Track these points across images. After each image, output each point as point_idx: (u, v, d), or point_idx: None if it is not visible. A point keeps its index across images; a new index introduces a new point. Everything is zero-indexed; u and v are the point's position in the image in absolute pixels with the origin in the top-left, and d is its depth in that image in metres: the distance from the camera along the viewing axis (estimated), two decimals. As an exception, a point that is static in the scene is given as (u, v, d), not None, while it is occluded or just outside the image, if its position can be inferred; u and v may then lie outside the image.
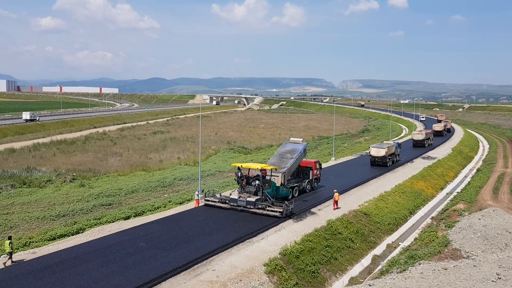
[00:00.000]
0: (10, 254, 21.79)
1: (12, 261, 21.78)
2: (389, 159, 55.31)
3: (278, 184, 34.41)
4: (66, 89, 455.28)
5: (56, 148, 70.09)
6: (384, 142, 62.80)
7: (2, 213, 32.96)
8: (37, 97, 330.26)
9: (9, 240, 21.93)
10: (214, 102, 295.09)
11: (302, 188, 39.05)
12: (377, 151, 54.73)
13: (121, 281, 19.56)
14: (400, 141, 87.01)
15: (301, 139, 44.27)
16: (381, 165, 54.27)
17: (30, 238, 26.49)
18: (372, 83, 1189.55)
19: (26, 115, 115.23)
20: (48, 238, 26.43)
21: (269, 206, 31.15)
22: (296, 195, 37.43)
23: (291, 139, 45.24)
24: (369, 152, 56.08)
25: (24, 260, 21.95)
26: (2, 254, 22.95)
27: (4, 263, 21.51)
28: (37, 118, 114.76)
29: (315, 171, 40.66)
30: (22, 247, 24.99)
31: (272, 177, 34.26)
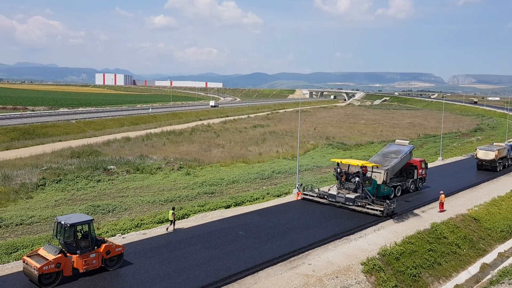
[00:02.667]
0: (172, 222, 25.55)
1: (173, 230, 25.53)
2: (500, 163, 49.48)
3: (380, 182, 33.52)
4: (175, 83, 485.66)
5: (165, 138, 75.20)
6: (495, 143, 55.97)
7: (118, 195, 36.35)
8: (150, 91, 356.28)
9: (172, 211, 25.67)
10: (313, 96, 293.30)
11: (406, 187, 37.53)
12: (486, 154, 49.15)
13: (221, 266, 20.54)
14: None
15: (408, 141, 42.68)
16: (490, 170, 48.76)
17: (142, 220, 28.82)
18: (487, 78, 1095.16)
19: (211, 103, 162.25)
20: (157, 221, 28.55)
21: (369, 204, 30.41)
22: (398, 194, 36.09)
23: (397, 140, 44.04)
24: (476, 155, 50.45)
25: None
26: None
27: (167, 228, 25.60)
28: (150, 110, 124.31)
29: (420, 171, 38.86)
30: (134, 228, 27.29)
31: (375, 173, 33.46)
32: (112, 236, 25.31)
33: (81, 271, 18.69)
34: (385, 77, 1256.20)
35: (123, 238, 24.50)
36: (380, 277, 21.77)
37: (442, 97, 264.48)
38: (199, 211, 30.60)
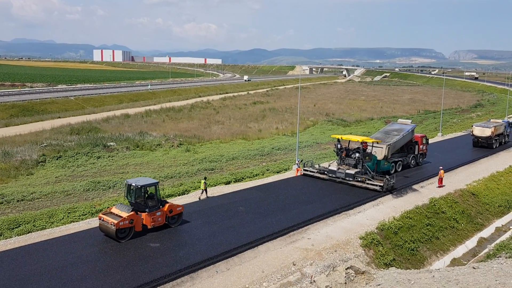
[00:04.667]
0: (203, 191, 27.46)
1: (205, 198, 27.51)
2: (496, 140, 48.52)
3: (381, 156, 33.84)
4: (174, 59, 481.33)
5: (165, 115, 75.02)
6: (492, 120, 55.13)
7: (118, 172, 36.48)
8: (149, 67, 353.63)
9: (204, 180, 27.67)
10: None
11: (406, 163, 37.84)
12: (482, 131, 48.04)
13: (222, 241, 20.79)
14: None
15: (410, 121, 42.79)
16: (486, 147, 47.91)
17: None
18: (488, 54, 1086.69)
19: (245, 77, 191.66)
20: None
21: (369, 180, 30.59)
22: (399, 170, 36.50)
23: (399, 120, 44.35)
24: (472, 132, 49.42)
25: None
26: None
27: (199, 197, 27.52)
28: (149, 87, 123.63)
29: (421, 146, 39.20)
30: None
31: (377, 148, 33.81)
32: (113, 211, 25.51)
33: (149, 227, 21.27)
34: (385, 53, 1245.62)
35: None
36: (379, 251, 22.06)
37: (443, 73, 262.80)
38: (199, 188, 30.74)
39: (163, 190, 27.45)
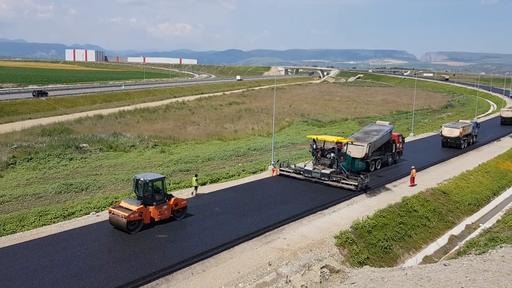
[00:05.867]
0: (196, 188, 28.38)
1: (196, 194, 28.37)
2: (464, 140, 49.34)
3: (363, 154, 34.98)
4: (148, 59, 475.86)
5: (139, 116, 74.11)
6: (460, 120, 56.03)
7: (91, 174, 35.85)
8: (123, 67, 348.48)
9: (196, 177, 28.67)
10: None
11: (385, 160, 39.23)
12: (450, 131, 48.63)
13: (197, 242, 20.69)
14: (486, 118, 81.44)
15: (388, 122, 44.46)
16: (454, 147, 48.55)
17: (116, 198, 28.55)
18: (458, 56, 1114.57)
19: (238, 77, 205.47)
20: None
21: (343, 179, 30.99)
22: (378, 167, 37.86)
23: (378, 121, 45.93)
24: (441, 132, 50.03)
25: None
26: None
27: (192, 193, 28.46)
28: (123, 87, 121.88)
29: (397, 145, 40.71)
30: (109, 206, 27.01)
31: (358, 146, 35.02)
32: (86, 214, 25.11)
33: (156, 219, 22.41)
34: (359, 54, 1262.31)
35: (97, 216, 24.30)
36: (353, 249, 22.36)
37: (415, 74, 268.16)
38: (174, 189, 30.54)
39: (169, 184, 29.20)
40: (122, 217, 21.04)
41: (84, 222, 23.27)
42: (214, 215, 24.75)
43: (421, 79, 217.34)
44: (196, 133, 58.51)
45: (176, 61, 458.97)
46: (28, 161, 38.20)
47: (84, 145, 44.75)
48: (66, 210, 25.62)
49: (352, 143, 35.13)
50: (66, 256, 18.82)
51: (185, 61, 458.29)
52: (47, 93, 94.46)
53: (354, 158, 34.72)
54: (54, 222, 23.75)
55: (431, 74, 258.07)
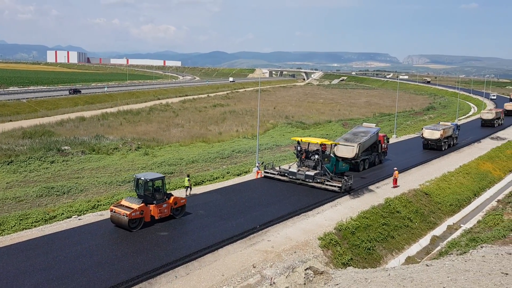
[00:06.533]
0: (187, 188, 28.63)
1: (190, 194, 28.55)
2: (445, 142, 49.77)
3: (353, 154, 36.11)
4: (132, 61, 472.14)
5: (122, 118, 73.44)
6: (441, 123, 56.35)
7: (73, 177, 35.37)
8: (106, 69, 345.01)
9: (188, 178, 28.91)
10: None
11: (372, 160, 40.30)
12: (431, 133, 48.95)
13: (181, 245, 20.57)
14: (467, 120, 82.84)
15: (374, 124, 45.93)
16: (435, 149, 49.01)
17: (98, 201, 28.26)
18: (440, 59, 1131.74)
19: (230, 79, 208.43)
20: (114, 202, 28.04)
21: (327, 181, 31.18)
22: (367, 167, 39.01)
23: (364, 124, 47.03)
24: (422, 134, 50.41)
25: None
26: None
27: (186, 194, 28.39)
28: (105, 89, 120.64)
29: (383, 145, 41.81)
30: (91, 209, 26.75)
31: (349, 146, 36.24)
32: (68, 218, 24.76)
33: (156, 218, 22.96)
34: (343, 57, 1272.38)
35: (79, 220, 23.98)
36: (337, 251, 22.50)
37: (397, 77, 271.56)
38: (183, 186, 30.37)
39: (168, 183, 29.61)
40: (123, 215, 21.54)
41: (65, 226, 22.93)
42: (198, 217, 24.65)
43: (404, 81, 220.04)
44: (180, 135, 58.22)
45: (160, 63, 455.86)
46: (8, 164, 37.49)
47: (66, 147, 44.14)
48: (48, 214, 25.22)
49: (340, 144, 36.49)
50: (47, 260, 18.51)
51: (169, 63, 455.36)
52: (80, 91, 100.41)
53: (338, 160, 35.11)
54: (35, 226, 23.38)
55: (406, 77, 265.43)
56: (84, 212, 25.88)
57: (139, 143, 49.64)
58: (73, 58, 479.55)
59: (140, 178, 22.90)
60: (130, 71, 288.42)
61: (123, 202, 22.64)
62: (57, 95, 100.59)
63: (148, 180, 22.66)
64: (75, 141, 47.95)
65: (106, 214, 24.74)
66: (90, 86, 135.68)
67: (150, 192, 22.88)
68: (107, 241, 20.68)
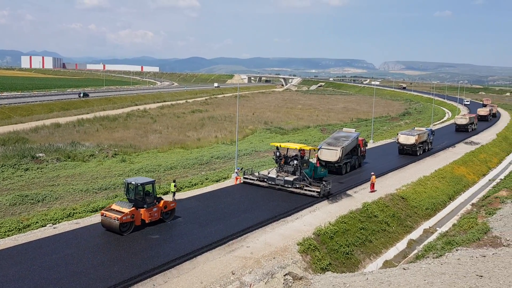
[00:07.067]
0: (174, 193, 28.65)
1: (175, 199, 28.17)
2: (420, 147, 50.46)
3: (336, 158, 37.17)
4: (109, 67, 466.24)
5: (99, 124, 72.40)
6: (416, 128, 57.40)
7: (48, 184, 34.62)
8: (82, 74, 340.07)
9: (174, 183, 29.11)
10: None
11: (353, 164, 41.39)
12: (406, 139, 49.63)
13: (159, 253, 20.31)
14: (442, 125, 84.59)
15: (354, 129, 47.26)
16: (410, 154, 49.63)
17: (74, 209, 27.70)
18: (415, 65, 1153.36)
19: (215, 84, 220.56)
20: (90, 210, 27.60)
21: (306, 186, 31.33)
22: (348, 170, 40.07)
23: (344, 129, 48.31)
24: (397, 139, 50.92)
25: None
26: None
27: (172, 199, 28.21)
28: (81, 94, 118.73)
29: (362, 149, 43.06)
30: (66, 218, 26.20)
31: (332, 150, 37.37)
32: (43, 226, 24.18)
33: (147, 221, 23.29)
34: (321, 63, 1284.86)
35: (54, 228, 23.44)
36: (315, 256, 22.57)
37: (371, 82, 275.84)
38: (169, 191, 30.03)
39: (159, 188, 29.85)
40: (115, 219, 21.73)
41: (40, 234, 22.38)
42: (176, 224, 24.40)
43: (380, 87, 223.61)
44: (158, 141, 57.71)
45: (137, 68, 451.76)
46: (-21, 172, 36.49)
47: (41, 154, 43.23)
48: (21, 223, 24.58)
49: (324, 148, 37.81)
50: (21, 270, 18.01)
51: (146, 69, 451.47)
52: (88, 94, 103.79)
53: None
54: (8, 235, 22.73)
55: (377, 82, 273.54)
56: (59, 221, 25.32)
57: (116, 149, 48.99)
58: (48, 64, 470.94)
59: (130, 183, 23.21)
60: (107, 76, 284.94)
61: (114, 207, 22.86)
62: (31, 101, 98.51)
63: (138, 184, 22.97)
64: (50, 148, 47.04)
65: (82, 223, 24.31)
66: (66, 92, 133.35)
67: (141, 196, 23.21)
68: (82, 250, 20.26)
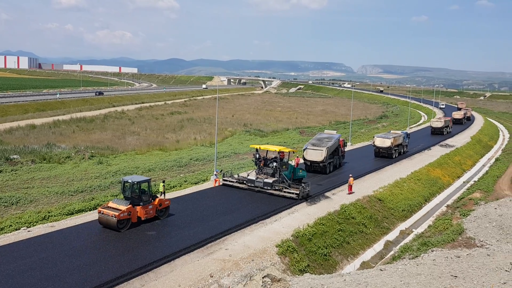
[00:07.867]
0: (162, 193, 28.37)
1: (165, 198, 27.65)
2: (395, 150, 50.85)
3: (322, 158, 38.70)
4: (86, 67, 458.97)
5: (75, 126, 71.22)
6: (392, 131, 57.62)
7: (22, 187, 33.87)
8: (58, 75, 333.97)
9: (163, 183, 29.01)
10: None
11: (335, 163, 42.88)
12: (382, 141, 50.05)
13: (136, 256, 20.08)
14: (418, 128, 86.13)
15: (335, 131, 48.84)
16: (386, 157, 49.96)
17: (49, 212, 27.22)
18: (392, 69, 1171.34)
19: (203, 86, 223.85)
20: (66, 213, 27.14)
21: (286, 188, 31.45)
22: (332, 170, 41.37)
23: (326, 131, 49.53)
24: (373, 142, 51.32)
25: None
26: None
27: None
28: (58, 96, 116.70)
29: (342, 149, 44.68)
30: (41, 221, 25.68)
31: (318, 150, 38.94)
32: (17, 230, 23.65)
33: (142, 218, 23.98)
34: (300, 66, 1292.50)
35: (28, 231, 22.92)
36: (294, 257, 22.67)
37: (352, 86, 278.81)
38: (158, 191, 29.61)
39: (154, 186, 30.42)
40: (112, 216, 22.39)
41: (14, 238, 21.85)
42: (154, 227, 24.16)
43: (358, 90, 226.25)
44: (136, 143, 57.10)
45: (115, 69, 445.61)
46: (-50, 174, 35.47)
47: (15, 156, 42.29)
48: (-6, 226, 23.99)
49: (309, 149, 39.47)
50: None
51: (124, 70, 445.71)
52: (103, 93, 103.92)
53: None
54: (-21, 240, 22.12)
55: (349, 86, 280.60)
56: (34, 224, 24.82)
57: (92, 151, 48.29)
58: (24, 64, 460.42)
59: (127, 181, 23.93)
60: (84, 77, 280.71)
61: (111, 204, 23.39)
62: (6, 102, 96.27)
63: (135, 182, 23.74)
64: (25, 150, 46.09)
65: (58, 226, 23.86)
66: (41, 93, 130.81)
67: (137, 194, 23.91)
68: (57, 254, 19.86)
